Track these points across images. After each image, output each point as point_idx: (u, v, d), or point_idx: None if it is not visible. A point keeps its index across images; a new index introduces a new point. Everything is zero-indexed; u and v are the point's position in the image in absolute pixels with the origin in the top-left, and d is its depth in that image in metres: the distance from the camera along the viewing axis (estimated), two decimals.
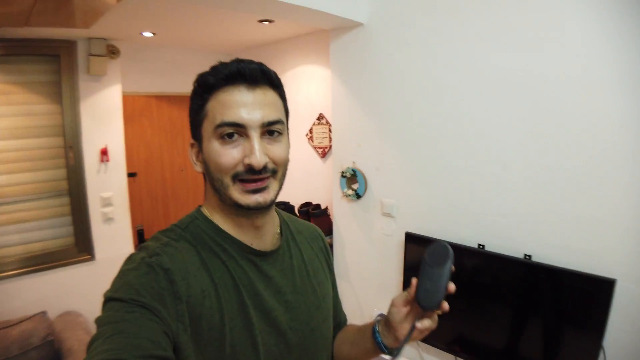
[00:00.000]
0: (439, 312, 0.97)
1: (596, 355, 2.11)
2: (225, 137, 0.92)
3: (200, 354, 0.88)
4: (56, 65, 3.43)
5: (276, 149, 0.96)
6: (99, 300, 2.77)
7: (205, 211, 1.04)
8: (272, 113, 0.95)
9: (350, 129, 3.21)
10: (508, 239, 2.41)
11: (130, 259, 0.92)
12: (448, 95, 2.59)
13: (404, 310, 1.02)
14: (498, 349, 2.54)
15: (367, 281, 3.22)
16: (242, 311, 0.95)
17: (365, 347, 1.15)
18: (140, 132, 4.15)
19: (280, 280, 1.05)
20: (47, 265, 3.53)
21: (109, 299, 0.83)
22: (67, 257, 3.64)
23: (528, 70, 2.24)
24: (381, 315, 1.15)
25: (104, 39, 3.52)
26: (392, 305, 1.04)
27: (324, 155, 3.92)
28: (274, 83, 0.98)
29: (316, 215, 3.65)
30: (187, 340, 0.86)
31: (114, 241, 3.83)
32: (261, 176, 0.93)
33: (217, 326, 0.90)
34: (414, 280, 0.99)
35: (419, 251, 2.81)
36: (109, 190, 3.74)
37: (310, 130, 3.98)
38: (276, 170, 0.97)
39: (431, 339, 2.66)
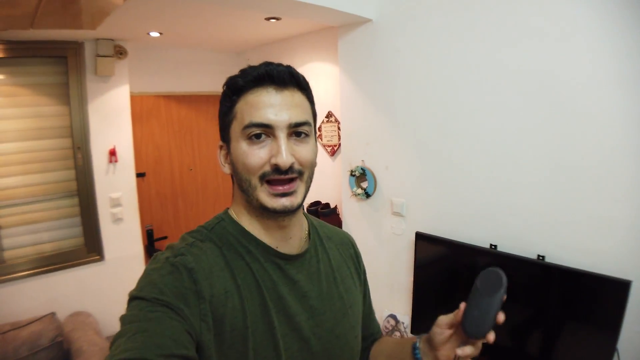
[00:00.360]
0: (484, 341, 0.94)
1: (610, 357, 2.07)
2: (253, 137, 0.94)
3: (223, 355, 0.89)
4: (63, 67, 3.43)
5: (303, 150, 0.97)
6: (109, 301, 2.81)
7: (232, 213, 1.05)
8: (300, 114, 0.96)
9: (359, 127, 3.18)
10: (521, 239, 2.37)
11: (155, 258, 0.94)
12: (458, 92, 2.55)
13: (448, 332, 0.99)
14: (511, 350, 2.51)
15: (377, 281, 3.18)
16: (265, 314, 0.96)
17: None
18: (149, 132, 4.14)
19: (305, 285, 1.05)
20: (56, 266, 3.55)
21: (133, 298, 0.85)
22: (76, 257, 3.65)
23: (542, 68, 2.20)
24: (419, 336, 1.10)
25: (111, 40, 3.51)
26: (436, 325, 1.01)
27: (333, 153, 3.89)
28: (302, 85, 1.01)
29: (325, 214, 3.62)
30: (211, 339, 0.87)
31: (124, 241, 3.84)
32: (288, 176, 0.95)
33: (240, 328, 0.91)
34: (462, 305, 0.96)
35: (429, 251, 2.78)
36: (118, 190, 3.74)
37: (319, 129, 3.95)
38: (302, 172, 0.98)
39: None
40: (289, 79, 0.96)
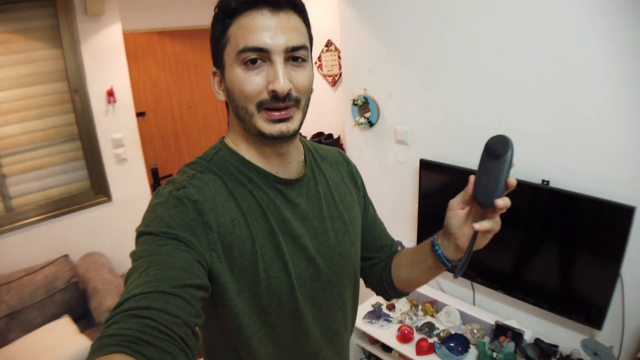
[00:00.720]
0: (500, 209, 0.91)
1: (613, 283, 2.11)
2: (249, 63, 0.90)
3: (236, 279, 0.93)
4: (53, 9, 3.33)
5: (300, 76, 0.94)
6: (120, 240, 2.86)
7: (229, 142, 1.04)
8: (297, 38, 0.92)
9: (360, 55, 3.10)
10: (526, 164, 2.36)
11: (158, 193, 0.94)
12: (463, 16, 2.47)
13: (462, 212, 0.99)
14: (514, 275, 2.55)
15: (382, 210, 3.15)
16: (272, 237, 0.99)
17: (425, 265, 1.13)
18: (145, 71, 4.07)
19: (306, 207, 1.07)
20: (65, 210, 3.59)
21: (141, 234, 0.86)
22: (84, 200, 3.69)
23: None
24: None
25: None
26: (449, 208, 1.01)
27: (334, 84, 3.83)
28: (298, 7, 0.95)
29: (329, 145, 3.60)
30: (222, 267, 0.91)
31: (129, 181, 3.87)
32: (285, 104, 0.92)
33: (249, 253, 0.94)
34: (472, 178, 0.95)
35: (433, 178, 2.79)
36: (119, 131, 3.73)
37: (319, 58, 3.87)
38: (299, 99, 0.95)
39: None
40: (284, 1, 0.91)
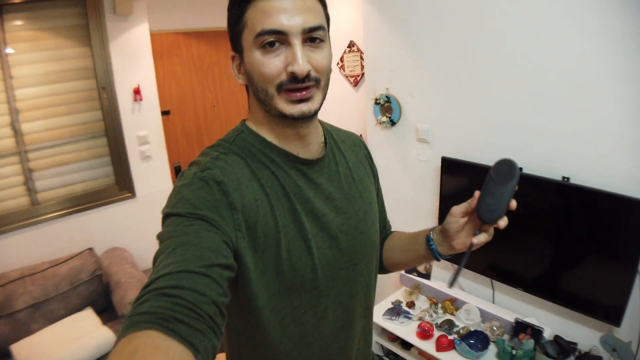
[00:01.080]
0: (500, 227, 1.00)
1: (632, 280, 2.11)
2: (267, 45, 0.90)
3: (259, 259, 0.94)
4: (82, 8, 3.42)
5: (318, 57, 0.94)
6: (143, 236, 2.89)
7: (251, 124, 1.05)
8: (314, 18, 0.92)
9: (382, 54, 3.12)
10: (546, 161, 2.37)
11: (183, 175, 0.95)
12: (485, 15, 2.49)
13: (462, 220, 1.06)
14: (533, 273, 2.55)
15: (403, 209, 3.22)
16: (295, 217, 0.99)
17: (417, 254, 1.22)
18: (171, 70, 4.14)
19: (328, 186, 1.08)
20: (90, 205, 3.66)
21: (168, 215, 0.87)
22: (109, 195, 3.76)
23: None
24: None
25: None
26: (451, 215, 1.08)
27: (355, 84, 3.86)
28: None
29: None
30: (246, 247, 0.91)
31: (153, 178, 3.93)
32: (305, 84, 0.92)
33: (272, 233, 0.95)
34: (477, 193, 1.01)
35: (455, 176, 2.80)
36: (144, 128, 3.80)
37: (341, 59, 3.91)
38: (319, 79, 0.95)
39: (468, 264, 2.69)
40: None
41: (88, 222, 3.65)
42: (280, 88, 0.92)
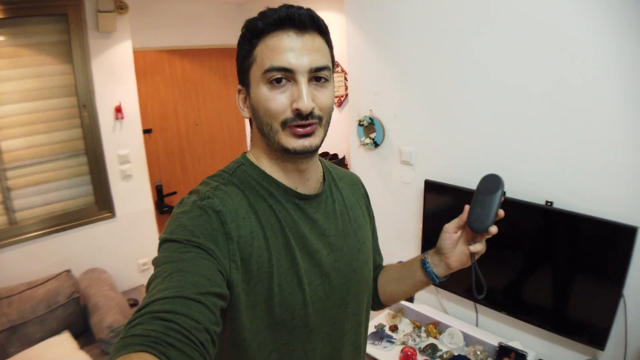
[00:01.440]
0: (488, 235, 1.06)
1: (616, 304, 2.11)
2: (274, 82, 0.93)
3: (250, 292, 0.94)
4: (64, 24, 3.38)
5: (322, 96, 0.96)
6: (122, 257, 2.85)
7: (251, 157, 1.07)
8: (320, 59, 0.95)
9: (367, 75, 3.14)
10: (529, 185, 2.38)
11: (182, 202, 0.96)
12: (468, 40, 2.51)
13: (455, 236, 1.12)
14: (517, 296, 2.55)
15: (387, 230, 3.20)
16: (288, 252, 1.00)
17: (413, 281, 1.23)
18: (154, 88, 4.11)
19: (323, 223, 1.09)
20: (69, 225, 3.59)
21: (165, 240, 0.88)
22: (88, 215, 3.69)
23: (551, 18, 2.16)
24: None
25: None
26: (444, 231, 1.13)
27: (339, 104, 3.86)
28: (322, 29, 0.99)
29: None
30: (239, 278, 0.92)
31: (134, 198, 3.87)
32: (309, 121, 0.95)
33: (266, 266, 0.96)
34: (466, 207, 1.08)
35: (438, 198, 2.80)
36: (125, 147, 3.75)
37: None
38: (322, 117, 0.97)
39: (450, 285, 2.68)
40: (309, 23, 0.95)
41: (67, 242, 3.58)
42: (284, 124, 0.95)
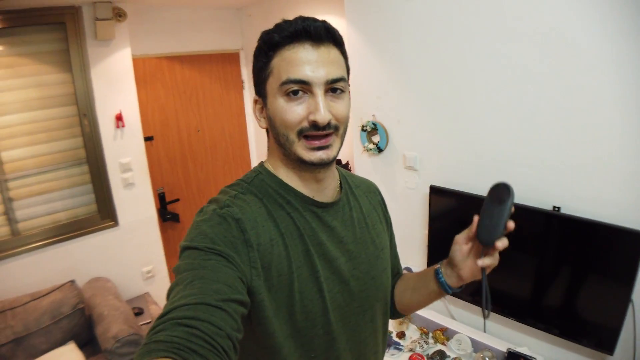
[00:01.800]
0: (499, 248, 1.02)
1: (625, 308, 2.09)
2: (291, 94, 0.96)
3: (272, 298, 0.97)
4: (63, 33, 3.36)
5: (339, 107, 0.99)
6: (126, 265, 2.86)
7: (269, 166, 1.10)
8: (336, 71, 0.98)
9: (369, 81, 3.11)
10: (536, 190, 2.36)
11: (202, 211, 0.99)
12: (472, 43, 2.48)
13: (466, 247, 1.10)
14: (525, 302, 2.53)
15: None
16: (308, 259, 1.03)
17: (427, 290, 1.24)
18: (154, 95, 4.09)
19: (341, 230, 1.11)
20: (71, 234, 3.58)
21: (186, 248, 0.90)
22: (91, 224, 3.68)
23: (554, 21, 2.14)
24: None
25: (109, 2, 3.41)
26: (455, 243, 1.12)
27: None
28: (338, 41, 1.02)
29: None
30: (261, 285, 0.94)
31: (136, 206, 3.86)
32: (325, 132, 0.97)
33: (286, 273, 0.99)
34: (475, 218, 1.06)
35: (443, 204, 2.78)
36: (127, 155, 3.73)
37: None
38: (338, 127, 1.01)
39: (459, 292, 2.68)
40: (325, 35, 0.97)
41: (70, 252, 3.56)
42: (300, 134, 0.98)
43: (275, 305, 0.97)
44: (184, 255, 0.89)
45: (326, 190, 1.11)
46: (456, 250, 1.12)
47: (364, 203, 1.22)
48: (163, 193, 4.23)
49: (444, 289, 1.17)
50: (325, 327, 1.05)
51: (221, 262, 0.87)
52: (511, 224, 1.01)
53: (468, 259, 1.10)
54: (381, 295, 1.20)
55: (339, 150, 1.04)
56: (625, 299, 2.08)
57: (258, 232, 0.96)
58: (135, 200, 3.84)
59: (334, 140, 1.01)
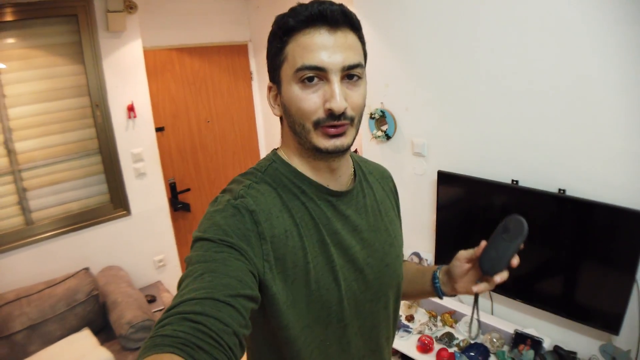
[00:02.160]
0: (497, 282, 1.04)
1: (630, 289, 2.14)
2: (306, 81, 0.92)
3: (288, 290, 0.95)
4: (75, 25, 3.40)
5: (355, 95, 0.95)
6: (138, 254, 2.89)
7: (282, 154, 1.07)
8: (353, 56, 0.93)
9: (377, 68, 3.14)
10: (542, 173, 2.39)
11: (216, 201, 0.98)
12: (478, 30, 2.52)
13: (466, 266, 1.12)
14: (532, 284, 2.56)
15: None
16: (323, 249, 1.00)
17: (422, 288, 1.28)
18: (164, 87, 4.13)
19: (356, 219, 1.09)
20: (85, 224, 3.62)
21: (198, 239, 0.89)
22: (103, 214, 3.72)
23: (561, 8, 2.17)
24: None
25: None
26: (456, 259, 1.13)
27: None
28: (355, 25, 0.97)
29: None
30: (274, 277, 0.92)
31: (148, 195, 3.90)
32: (341, 122, 0.93)
33: (301, 264, 0.96)
34: (483, 243, 1.06)
35: (451, 189, 2.81)
36: (139, 146, 3.77)
37: None
38: (353, 117, 0.96)
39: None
40: (342, 19, 0.92)
41: (83, 241, 3.61)
42: (317, 125, 0.94)
43: (291, 297, 0.96)
44: (196, 246, 0.88)
45: (340, 178, 1.08)
46: (456, 266, 1.13)
47: (377, 190, 1.20)
48: (174, 183, 4.27)
49: (437, 294, 1.22)
50: (340, 316, 1.04)
51: (233, 255, 0.86)
52: (515, 261, 1.03)
53: (465, 277, 1.13)
54: (394, 282, 1.18)
55: (354, 138, 1.00)
56: (630, 280, 2.12)
57: (272, 223, 0.94)
58: (147, 190, 3.88)
59: (349, 129, 0.96)
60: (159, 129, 4.03)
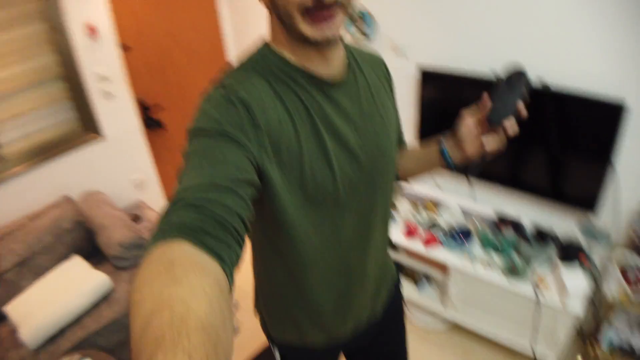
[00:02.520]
0: (507, 128, 1.07)
1: (605, 169, 2.26)
2: None
3: (284, 175, 0.99)
4: None
5: None
6: (116, 176, 2.84)
7: (273, 46, 1.05)
8: None
9: None
10: (522, 64, 2.42)
11: (207, 95, 0.98)
12: None
13: (472, 123, 1.16)
14: (511, 170, 2.66)
15: None
16: (316, 135, 1.03)
17: (430, 162, 1.33)
18: (127, 2, 3.91)
19: (348, 106, 1.10)
20: (58, 152, 3.51)
21: (193, 132, 0.91)
22: (75, 140, 3.61)
23: None
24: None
25: None
26: (462, 119, 1.18)
27: None
28: None
29: None
30: (272, 165, 0.96)
31: (119, 116, 3.79)
32: (330, 12, 0.91)
33: (295, 150, 0.99)
34: (486, 94, 1.08)
35: (434, 87, 2.84)
36: (104, 66, 3.63)
37: None
38: (344, 3, 0.94)
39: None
40: None
41: (59, 170, 3.53)
42: (304, 12, 0.91)
43: (287, 182, 0.99)
44: (192, 139, 0.89)
45: (334, 67, 1.07)
46: (463, 125, 1.16)
47: (370, 77, 1.20)
48: (145, 102, 4.17)
49: (447, 163, 1.25)
50: (335, 198, 1.08)
51: (229, 144, 0.87)
52: (524, 111, 1.04)
53: (473, 137, 1.16)
54: (389, 167, 1.22)
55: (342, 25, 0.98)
56: (605, 162, 2.24)
57: (265, 112, 0.95)
58: (117, 111, 3.76)
59: (338, 14, 0.93)
60: (124, 49, 3.87)
